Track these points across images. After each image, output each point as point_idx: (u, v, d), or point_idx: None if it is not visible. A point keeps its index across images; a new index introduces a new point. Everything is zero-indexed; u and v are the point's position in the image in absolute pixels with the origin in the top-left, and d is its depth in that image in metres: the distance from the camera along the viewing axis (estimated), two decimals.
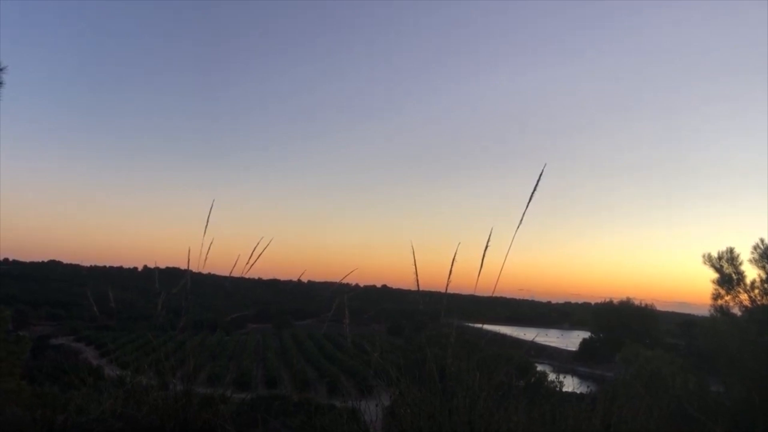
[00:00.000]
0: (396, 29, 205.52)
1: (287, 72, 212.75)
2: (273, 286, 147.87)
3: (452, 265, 3.63)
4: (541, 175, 3.54)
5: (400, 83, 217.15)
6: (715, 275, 14.49)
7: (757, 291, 13.84)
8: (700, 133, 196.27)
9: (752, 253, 13.97)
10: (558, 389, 8.48)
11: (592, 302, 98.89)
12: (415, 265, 3.70)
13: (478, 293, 3.84)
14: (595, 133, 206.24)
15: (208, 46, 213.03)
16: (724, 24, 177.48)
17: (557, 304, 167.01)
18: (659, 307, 69.53)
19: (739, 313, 13.95)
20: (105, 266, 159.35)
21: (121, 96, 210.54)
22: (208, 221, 4.17)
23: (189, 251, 4.16)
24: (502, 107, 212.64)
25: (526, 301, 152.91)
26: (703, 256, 14.74)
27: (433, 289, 4.38)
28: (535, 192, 3.52)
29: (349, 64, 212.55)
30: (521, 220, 3.60)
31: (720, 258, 14.52)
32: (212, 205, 4.26)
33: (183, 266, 4.17)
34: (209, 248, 4.13)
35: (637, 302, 64.85)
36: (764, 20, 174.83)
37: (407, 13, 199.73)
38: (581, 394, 6.44)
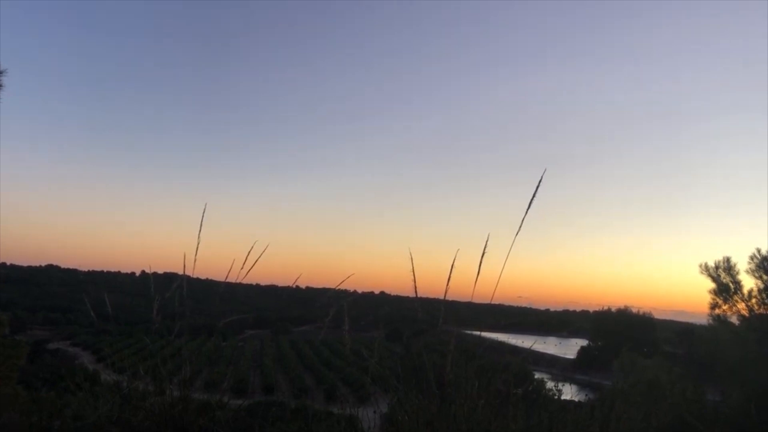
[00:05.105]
0: (394, 34, 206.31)
1: (284, 76, 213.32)
2: (271, 292, 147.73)
3: (450, 272, 3.63)
4: (540, 181, 3.54)
5: (398, 88, 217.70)
6: (712, 285, 14.53)
7: (754, 300, 13.87)
8: (699, 142, 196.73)
9: (749, 263, 14.02)
10: (556, 397, 8.44)
11: (591, 310, 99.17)
12: (413, 272, 3.69)
13: (477, 301, 3.84)
14: (594, 140, 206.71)
15: (203, 51, 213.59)
16: (727, 33, 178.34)
17: (556, 311, 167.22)
18: (657, 315, 69.64)
19: (736, 322, 13.98)
20: (102, 271, 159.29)
21: (119, 102, 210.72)
22: (201, 226, 4.16)
23: (185, 256, 4.17)
24: (502, 113, 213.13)
25: (525, 308, 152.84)
26: (700, 266, 14.79)
27: (431, 296, 4.38)
28: (535, 198, 3.52)
29: (348, 69, 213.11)
30: (520, 226, 3.60)
31: (717, 268, 14.56)
32: (205, 209, 4.26)
33: (180, 271, 4.17)
34: (197, 252, 4.13)
35: (635, 310, 64.96)
36: (766, 30, 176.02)
37: (405, 18, 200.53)
38: (579, 402, 6.44)
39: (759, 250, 13.78)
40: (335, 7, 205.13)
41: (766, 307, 13.61)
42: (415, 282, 3.71)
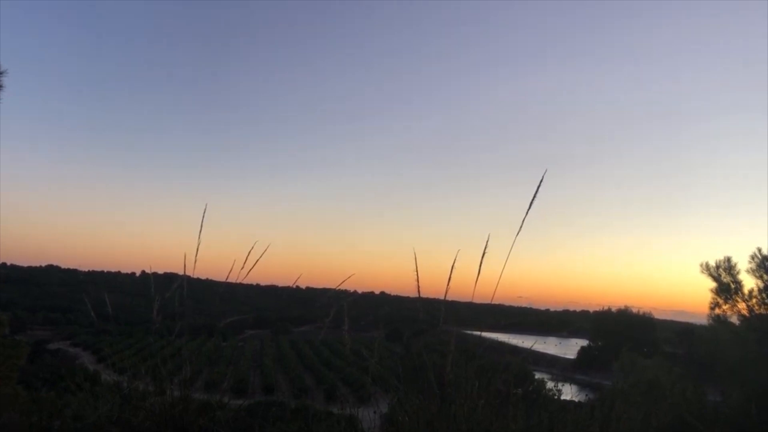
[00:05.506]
0: (394, 34, 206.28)
1: (284, 76, 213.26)
2: (271, 292, 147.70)
3: (451, 272, 3.62)
4: (541, 181, 3.54)
5: (398, 88, 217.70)
6: (713, 284, 14.53)
7: (755, 300, 13.87)
8: (699, 142, 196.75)
9: (750, 262, 14.02)
10: (556, 397, 8.45)
11: (591, 310, 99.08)
12: (417, 272, 3.69)
13: (477, 301, 3.84)
14: (594, 140, 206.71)
15: (203, 51, 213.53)
16: (727, 33, 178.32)
17: (556, 311, 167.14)
18: (657, 315, 69.57)
19: (737, 322, 13.98)
20: (103, 271, 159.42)
21: (119, 102, 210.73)
22: (201, 226, 4.16)
23: (185, 256, 4.17)
24: (502, 113, 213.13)
25: (525, 308, 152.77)
26: (701, 266, 14.79)
27: (431, 296, 4.38)
28: (535, 199, 3.52)
29: (348, 69, 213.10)
30: (520, 227, 3.60)
31: (718, 267, 14.56)
32: (205, 210, 4.26)
33: (181, 271, 4.17)
34: (197, 252, 4.13)
35: (635, 310, 64.94)
36: (766, 30, 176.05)
37: (405, 18, 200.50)
38: (579, 402, 6.43)
39: (759, 250, 13.79)
40: (335, 7, 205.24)
41: (766, 307, 13.60)
42: (418, 282, 3.70)
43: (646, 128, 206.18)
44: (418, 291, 3.74)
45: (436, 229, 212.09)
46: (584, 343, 69.99)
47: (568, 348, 75.72)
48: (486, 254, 3.57)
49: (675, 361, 22.22)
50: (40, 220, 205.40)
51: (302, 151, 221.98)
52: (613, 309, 66.86)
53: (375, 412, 4.20)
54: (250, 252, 4.04)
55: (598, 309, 75.25)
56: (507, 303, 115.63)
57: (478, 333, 4.59)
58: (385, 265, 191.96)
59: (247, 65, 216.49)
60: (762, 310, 13.64)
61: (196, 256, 4.13)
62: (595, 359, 58.48)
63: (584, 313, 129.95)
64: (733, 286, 14.21)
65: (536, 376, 14.12)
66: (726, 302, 14.20)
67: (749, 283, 14.00)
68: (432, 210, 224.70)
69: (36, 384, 16.37)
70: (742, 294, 14.03)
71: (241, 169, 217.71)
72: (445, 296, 3.71)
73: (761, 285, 13.78)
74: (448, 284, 3.65)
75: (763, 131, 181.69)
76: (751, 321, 13.53)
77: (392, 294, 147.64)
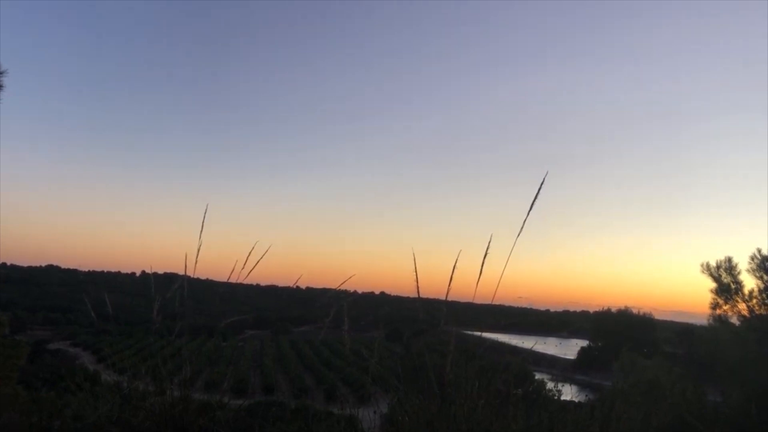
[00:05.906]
0: (394, 34, 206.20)
1: (284, 76, 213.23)
2: (271, 292, 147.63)
3: (453, 272, 3.62)
4: (542, 183, 3.53)
5: (398, 88, 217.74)
6: (713, 284, 14.52)
7: (755, 301, 13.87)
8: (699, 142, 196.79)
9: (750, 263, 14.02)
10: (556, 397, 8.45)
11: (591, 310, 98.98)
12: (416, 272, 3.68)
13: (478, 301, 3.83)
14: (594, 140, 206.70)
15: (203, 51, 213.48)
16: (727, 33, 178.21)
17: (556, 312, 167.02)
18: (657, 316, 69.44)
19: (737, 323, 13.98)
20: (103, 271, 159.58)
21: (119, 102, 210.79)
22: (202, 226, 4.16)
23: (186, 257, 4.16)
24: (502, 113, 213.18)
25: (525, 309, 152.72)
26: (702, 266, 14.78)
27: (431, 296, 4.37)
28: (536, 200, 3.52)
29: (348, 69, 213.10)
30: (521, 228, 3.60)
31: (718, 267, 14.55)
32: (206, 210, 4.25)
33: (181, 272, 4.16)
34: (198, 253, 4.12)
35: (635, 310, 64.87)
36: (766, 30, 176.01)
37: (405, 18, 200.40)
38: (579, 402, 6.44)
39: (759, 250, 13.79)
40: (335, 7, 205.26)
41: (766, 307, 13.60)
42: (417, 282, 3.70)
43: (646, 128, 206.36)
44: (418, 291, 3.74)
45: (436, 229, 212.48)
46: (584, 343, 69.97)
47: (568, 348, 75.68)
48: (487, 254, 3.57)
49: (675, 361, 22.21)
50: (40, 220, 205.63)
51: (302, 151, 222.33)
52: (613, 309, 66.83)
53: (375, 412, 4.20)
54: (250, 253, 4.04)
55: (598, 309, 75.17)
56: (507, 303, 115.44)
57: (478, 333, 4.59)
58: (385, 265, 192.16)
59: (247, 65, 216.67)
60: (762, 311, 13.64)
61: (197, 256, 4.13)
62: (595, 359, 58.45)
63: (584, 314, 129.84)
64: (733, 286, 14.21)
65: (536, 377, 14.12)
66: (726, 302, 14.20)
67: (749, 283, 14.00)
68: (432, 210, 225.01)
69: (36, 384, 16.36)
70: (743, 294, 14.03)
71: (241, 169, 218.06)
72: (447, 296, 3.70)
73: (761, 285, 13.78)
74: (449, 284, 3.64)
75: (763, 131, 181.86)
76: (751, 321, 13.53)
77: (392, 294, 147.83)
